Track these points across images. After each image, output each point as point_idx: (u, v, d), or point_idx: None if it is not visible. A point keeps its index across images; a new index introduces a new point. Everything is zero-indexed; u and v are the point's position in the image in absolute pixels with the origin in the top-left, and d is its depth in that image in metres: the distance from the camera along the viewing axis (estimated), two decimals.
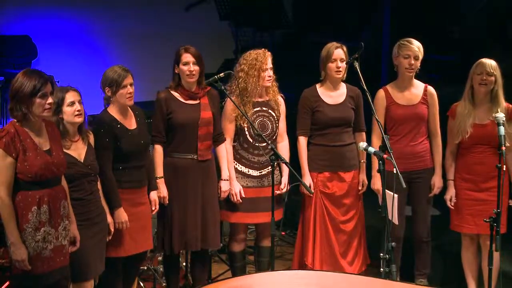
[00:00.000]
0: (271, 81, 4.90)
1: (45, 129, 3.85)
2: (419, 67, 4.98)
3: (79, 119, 4.14)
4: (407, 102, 5.02)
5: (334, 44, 4.96)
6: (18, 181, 3.71)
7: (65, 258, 3.90)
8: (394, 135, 5.01)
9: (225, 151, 4.89)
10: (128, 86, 4.42)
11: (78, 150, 4.18)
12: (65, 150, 4.06)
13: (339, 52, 4.91)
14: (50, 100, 3.72)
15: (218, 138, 4.87)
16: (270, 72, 4.88)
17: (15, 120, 3.74)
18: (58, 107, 4.07)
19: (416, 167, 5.01)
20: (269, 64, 4.87)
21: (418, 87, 5.07)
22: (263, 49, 4.92)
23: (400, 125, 5.00)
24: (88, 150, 4.22)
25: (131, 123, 4.53)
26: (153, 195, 4.70)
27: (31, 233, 3.73)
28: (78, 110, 4.12)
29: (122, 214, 4.40)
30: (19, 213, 3.71)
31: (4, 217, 3.70)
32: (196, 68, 4.68)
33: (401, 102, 5.02)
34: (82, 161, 4.17)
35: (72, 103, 4.11)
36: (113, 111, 4.48)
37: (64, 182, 3.94)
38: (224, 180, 4.87)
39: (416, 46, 4.94)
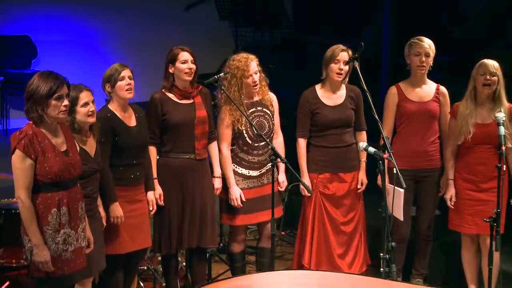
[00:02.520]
0: (256, 87, 4.84)
1: (61, 130, 3.85)
2: (431, 65, 4.98)
3: (92, 119, 4.15)
4: (419, 99, 5.02)
5: (341, 46, 4.93)
6: (38, 183, 3.71)
7: (84, 259, 3.91)
8: (405, 131, 5.01)
9: (217, 148, 4.90)
10: (126, 78, 4.44)
11: (90, 146, 4.20)
12: (81, 146, 4.09)
13: (343, 55, 4.89)
14: (66, 102, 3.73)
15: (211, 136, 4.89)
16: (255, 77, 4.83)
17: (32, 122, 3.74)
18: (71, 106, 4.05)
19: (425, 166, 5.01)
20: (253, 69, 4.81)
21: (431, 85, 5.07)
22: (246, 55, 4.85)
23: (411, 121, 4.99)
24: (97, 146, 4.24)
25: (131, 121, 4.55)
26: (150, 195, 4.71)
27: (51, 235, 3.73)
28: (91, 111, 4.13)
29: (117, 209, 4.42)
30: (39, 215, 3.71)
31: (25, 220, 3.70)
32: (194, 66, 4.71)
33: (413, 98, 5.01)
34: (93, 157, 4.19)
35: (86, 104, 4.10)
36: (113, 107, 4.50)
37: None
38: (217, 177, 4.88)
39: (427, 43, 4.94)
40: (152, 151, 4.74)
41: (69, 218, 3.78)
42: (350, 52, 4.90)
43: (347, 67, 4.92)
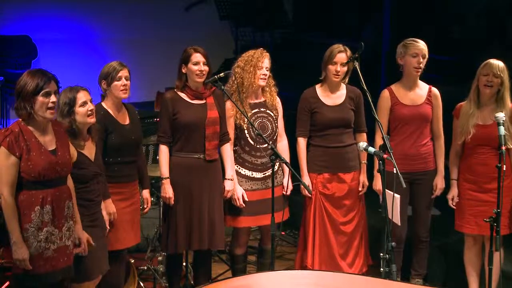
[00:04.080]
0: (265, 80, 4.89)
1: (52, 129, 3.84)
2: (424, 67, 4.98)
3: (91, 119, 4.15)
4: (412, 102, 5.01)
5: (340, 47, 4.92)
6: (22, 180, 3.71)
7: (69, 258, 3.90)
8: (398, 135, 5.00)
9: (229, 150, 4.88)
10: (123, 79, 4.46)
11: (89, 150, 4.19)
12: (80, 151, 4.09)
13: (341, 56, 4.89)
14: (53, 99, 3.72)
15: (223, 138, 4.87)
16: (266, 72, 4.86)
17: (21, 120, 3.74)
18: (70, 108, 4.06)
19: (419, 169, 5.01)
20: (266, 63, 4.86)
21: (423, 87, 5.06)
22: (261, 48, 4.92)
23: (404, 125, 4.99)
24: (97, 149, 4.24)
25: (125, 119, 4.57)
26: (146, 193, 4.75)
27: (33, 232, 3.72)
28: (90, 110, 4.13)
29: (110, 205, 4.43)
30: (22, 213, 3.71)
31: (7, 216, 3.70)
32: (206, 68, 4.71)
33: (405, 102, 5.00)
34: (93, 160, 4.18)
35: (84, 103, 4.10)
36: (107, 104, 4.52)
37: (69, 182, 3.94)
38: (228, 179, 4.87)
39: (423, 45, 4.93)
40: (164, 150, 4.75)
41: (52, 216, 3.77)
42: (349, 53, 4.89)
43: (345, 68, 4.92)
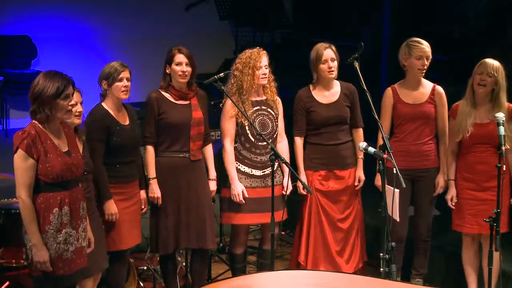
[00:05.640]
0: (266, 79, 4.89)
1: (62, 131, 3.86)
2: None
3: (78, 121, 4.18)
4: (414, 100, 5.02)
5: (323, 44, 4.96)
6: (39, 182, 3.71)
7: (84, 259, 3.91)
8: (400, 132, 5.03)
9: (211, 151, 4.93)
10: (124, 80, 4.47)
11: None
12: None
13: (328, 53, 4.91)
14: (72, 101, 3.74)
15: (206, 139, 4.91)
16: (265, 70, 4.87)
17: (36, 122, 3.74)
18: None
19: (421, 166, 5.02)
20: (264, 62, 4.85)
21: (426, 86, 5.07)
22: (257, 47, 4.92)
23: (406, 123, 5.01)
24: (84, 147, 4.25)
25: (125, 119, 4.58)
26: (142, 194, 4.76)
27: (53, 234, 3.73)
28: (79, 112, 4.15)
29: (112, 206, 4.44)
30: (41, 215, 3.71)
31: (25, 219, 3.70)
32: (189, 69, 4.71)
33: (407, 100, 5.02)
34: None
35: (74, 104, 4.11)
36: (107, 105, 4.53)
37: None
38: (212, 180, 4.89)
39: (426, 45, 4.95)
40: (150, 150, 4.76)
41: (70, 218, 3.79)
42: (333, 47, 4.93)
43: (336, 63, 4.92)
